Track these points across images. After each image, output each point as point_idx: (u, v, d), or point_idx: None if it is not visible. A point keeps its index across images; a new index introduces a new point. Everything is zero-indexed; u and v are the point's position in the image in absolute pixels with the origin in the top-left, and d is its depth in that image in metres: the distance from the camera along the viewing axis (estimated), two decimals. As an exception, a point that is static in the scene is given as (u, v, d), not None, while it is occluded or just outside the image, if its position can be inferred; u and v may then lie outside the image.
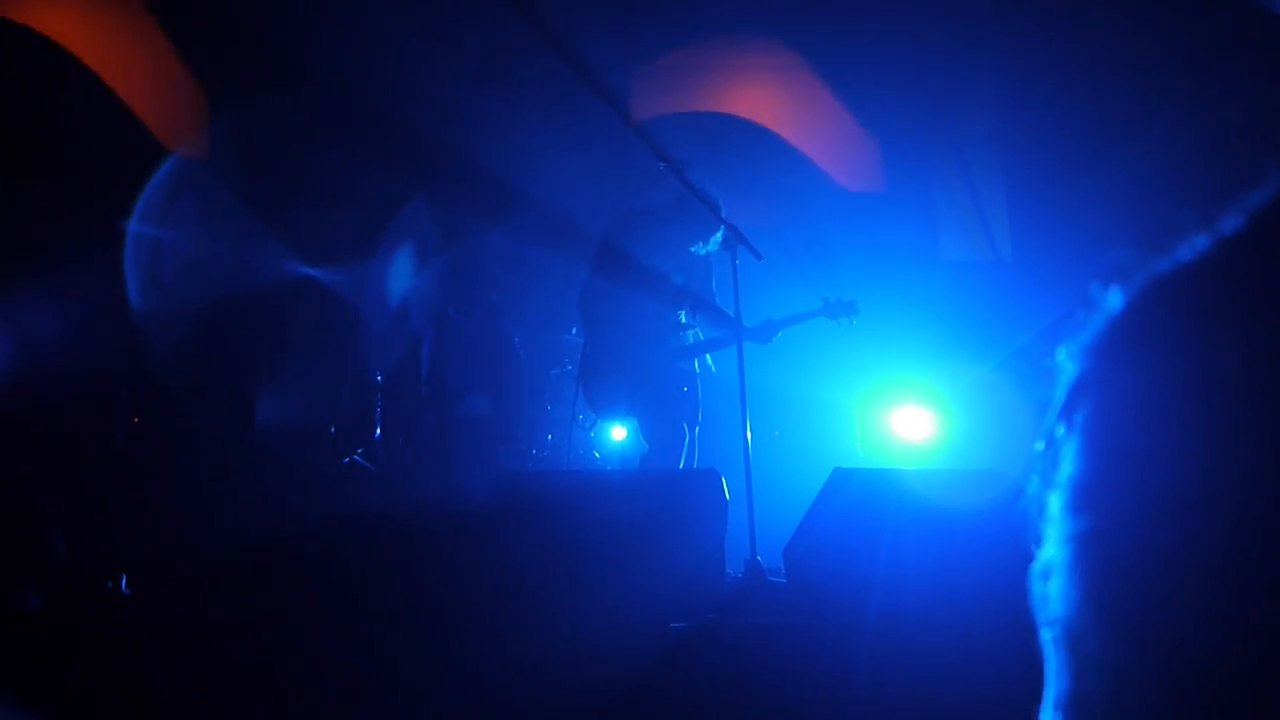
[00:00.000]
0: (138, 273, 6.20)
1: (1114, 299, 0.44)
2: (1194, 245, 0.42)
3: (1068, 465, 0.45)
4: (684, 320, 5.08)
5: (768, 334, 4.87)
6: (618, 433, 5.16)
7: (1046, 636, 0.47)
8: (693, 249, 4.94)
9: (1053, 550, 0.46)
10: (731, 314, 4.69)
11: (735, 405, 4.41)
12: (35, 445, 5.01)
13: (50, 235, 5.98)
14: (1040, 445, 0.49)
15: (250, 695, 2.86)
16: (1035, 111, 6.25)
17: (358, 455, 6.52)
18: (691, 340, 5.09)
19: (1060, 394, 0.47)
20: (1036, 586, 0.47)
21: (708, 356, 5.15)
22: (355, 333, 6.59)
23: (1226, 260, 0.41)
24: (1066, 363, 0.47)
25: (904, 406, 6.34)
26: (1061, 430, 0.47)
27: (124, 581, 3.41)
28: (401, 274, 6.86)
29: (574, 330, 6.12)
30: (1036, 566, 0.48)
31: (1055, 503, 0.46)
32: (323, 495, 5.44)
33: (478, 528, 3.48)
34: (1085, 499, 0.44)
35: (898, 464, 6.00)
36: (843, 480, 4.02)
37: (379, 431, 6.44)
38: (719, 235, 4.74)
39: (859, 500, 3.84)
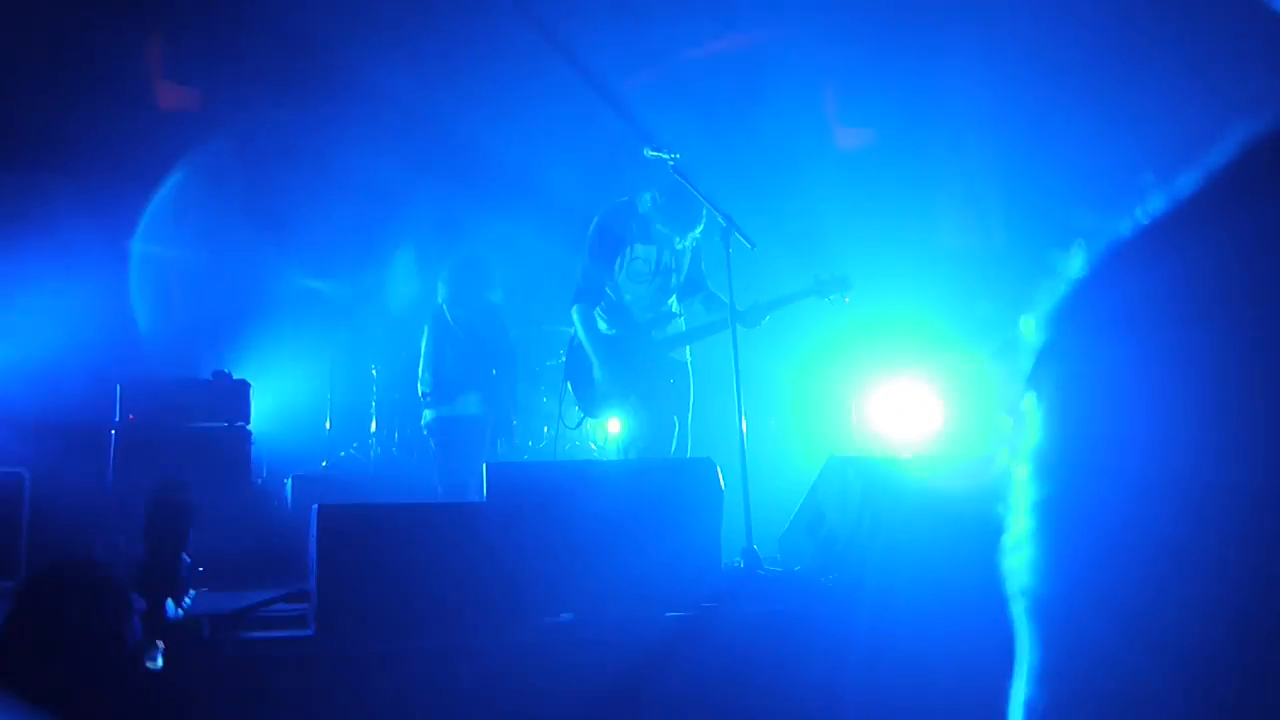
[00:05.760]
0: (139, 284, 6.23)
1: (1075, 264, 0.44)
2: (1151, 207, 0.42)
3: (1034, 435, 0.45)
4: (675, 310, 5.03)
5: (755, 318, 4.71)
6: (614, 425, 5.14)
7: (1017, 609, 0.47)
8: (676, 238, 4.86)
9: (1020, 520, 0.45)
10: (722, 299, 4.64)
11: (730, 394, 4.39)
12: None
13: (50, 234, 5.97)
14: (1009, 418, 0.48)
15: (251, 692, 2.87)
16: (1032, 94, 6.24)
17: (352, 449, 6.53)
18: (680, 329, 5.04)
19: (1026, 364, 0.47)
20: (1008, 559, 0.47)
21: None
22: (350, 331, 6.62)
23: (1182, 222, 0.41)
24: (1032, 332, 0.46)
25: (900, 393, 6.33)
26: (1030, 401, 0.46)
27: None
28: (397, 272, 6.87)
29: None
30: (1007, 539, 0.47)
31: (1022, 472, 0.45)
32: (319, 489, 5.44)
33: (474, 521, 3.48)
34: (1048, 465, 0.43)
35: (893, 452, 5.99)
36: (837, 468, 4.03)
37: (374, 426, 6.45)
38: (700, 228, 4.70)
39: (854, 488, 3.85)
